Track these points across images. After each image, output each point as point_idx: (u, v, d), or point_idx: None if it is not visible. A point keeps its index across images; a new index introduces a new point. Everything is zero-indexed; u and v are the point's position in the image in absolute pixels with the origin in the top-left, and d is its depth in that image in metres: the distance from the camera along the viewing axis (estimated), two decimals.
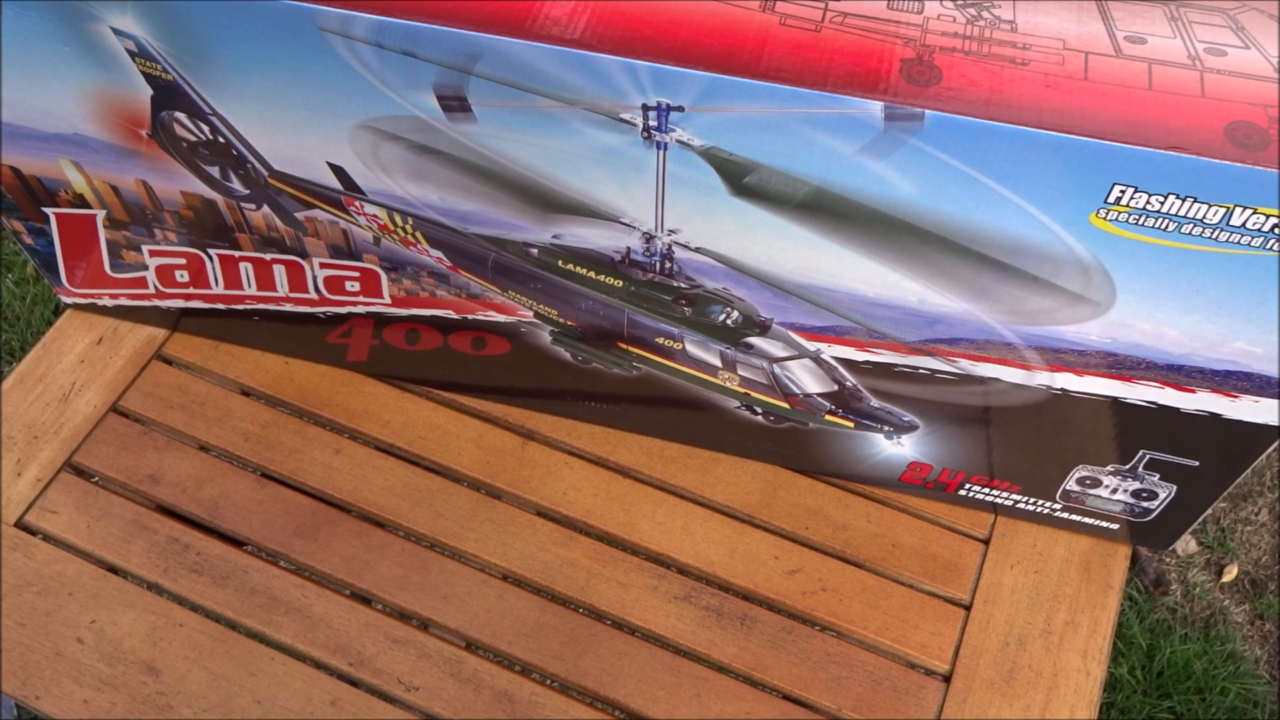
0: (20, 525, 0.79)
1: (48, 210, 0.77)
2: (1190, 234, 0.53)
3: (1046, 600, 0.78)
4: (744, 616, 0.77)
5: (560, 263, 0.68)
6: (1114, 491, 0.74)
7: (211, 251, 0.77)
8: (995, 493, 0.78)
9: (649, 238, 0.64)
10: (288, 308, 0.80)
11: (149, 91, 0.64)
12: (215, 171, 0.69)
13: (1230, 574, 1.34)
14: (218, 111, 0.64)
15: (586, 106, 0.56)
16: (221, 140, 0.66)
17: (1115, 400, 0.65)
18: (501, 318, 0.75)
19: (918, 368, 0.67)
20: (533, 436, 0.84)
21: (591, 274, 0.68)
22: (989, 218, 0.55)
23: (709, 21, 0.54)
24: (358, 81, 0.59)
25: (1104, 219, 0.53)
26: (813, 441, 0.78)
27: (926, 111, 0.51)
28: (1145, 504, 0.74)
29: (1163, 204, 0.52)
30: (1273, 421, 0.63)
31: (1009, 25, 0.54)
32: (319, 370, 0.86)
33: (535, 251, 0.68)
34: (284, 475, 0.82)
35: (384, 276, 0.75)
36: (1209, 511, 0.77)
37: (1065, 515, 0.78)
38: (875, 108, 0.51)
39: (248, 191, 0.70)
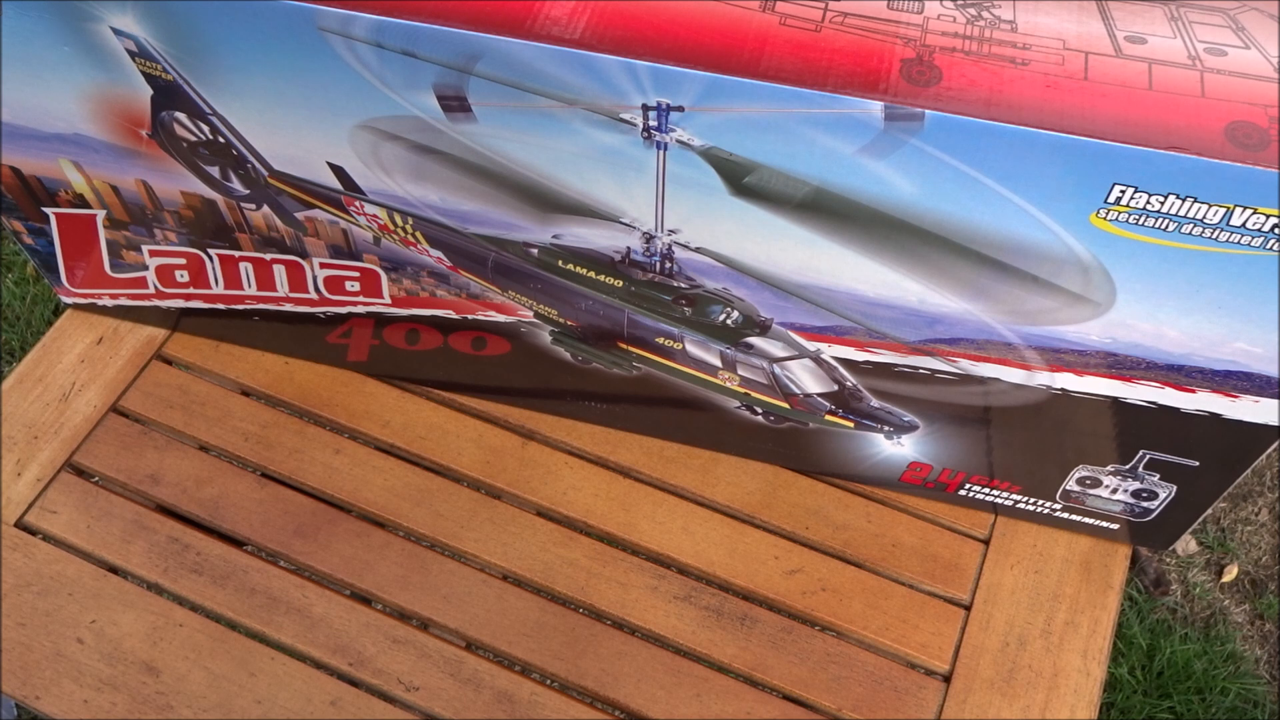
0: (20, 525, 0.79)
1: (48, 210, 0.77)
2: (1190, 234, 0.53)
3: (1046, 600, 0.78)
4: (744, 616, 0.77)
5: (560, 263, 0.68)
6: (1114, 491, 0.74)
7: (211, 251, 0.77)
8: (995, 493, 0.78)
9: (649, 238, 0.64)
10: (288, 308, 0.80)
11: (149, 91, 0.64)
12: (215, 171, 0.69)
13: (1230, 574, 1.34)
14: (218, 111, 0.64)
15: (586, 106, 0.56)
16: (221, 140, 0.66)
17: (1115, 400, 0.65)
18: (501, 318, 0.75)
19: (918, 368, 0.67)
20: (533, 436, 0.84)
21: (591, 274, 0.68)
22: (989, 218, 0.55)
23: (709, 21, 0.54)
24: (358, 81, 0.59)
25: (1104, 219, 0.53)
26: (813, 441, 0.78)
27: (926, 111, 0.51)
28: (1145, 504, 0.74)
29: (1163, 204, 0.52)
30: (1273, 421, 0.63)
31: (1009, 25, 0.54)
32: (319, 370, 0.86)
33: (535, 251, 0.68)
34: (284, 475, 0.82)
35: (384, 276, 0.75)
36: (1209, 511, 0.77)
37: (1065, 515, 0.78)
38: (875, 108, 0.51)
39: (248, 191, 0.70)
